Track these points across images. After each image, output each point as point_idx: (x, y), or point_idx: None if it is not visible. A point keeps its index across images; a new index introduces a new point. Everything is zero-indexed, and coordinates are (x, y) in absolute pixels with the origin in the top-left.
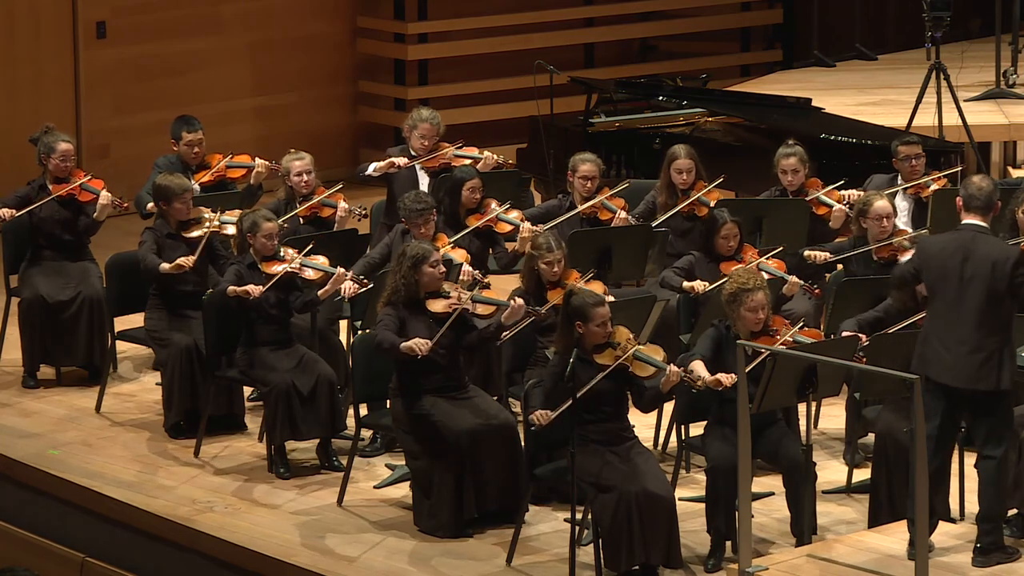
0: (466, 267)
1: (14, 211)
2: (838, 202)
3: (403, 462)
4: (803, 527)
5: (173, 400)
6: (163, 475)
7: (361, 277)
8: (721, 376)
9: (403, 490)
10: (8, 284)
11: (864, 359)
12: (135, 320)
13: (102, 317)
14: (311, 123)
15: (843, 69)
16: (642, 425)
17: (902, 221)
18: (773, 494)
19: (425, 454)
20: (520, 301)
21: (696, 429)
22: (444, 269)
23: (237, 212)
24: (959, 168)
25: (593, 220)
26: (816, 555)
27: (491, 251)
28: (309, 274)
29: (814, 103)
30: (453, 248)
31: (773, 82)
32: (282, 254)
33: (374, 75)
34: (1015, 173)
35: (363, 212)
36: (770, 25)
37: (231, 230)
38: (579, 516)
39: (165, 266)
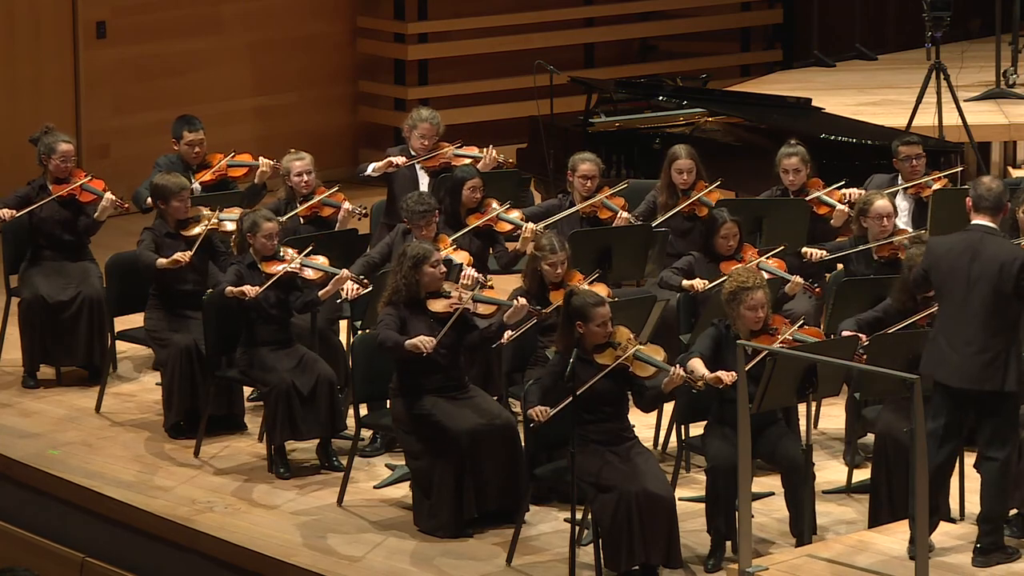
0: (470, 270)
1: (14, 211)
2: (839, 202)
3: (403, 462)
4: (803, 527)
5: (173, 400)
6: (163, 475)
7: (362, 278)
8: (721, 373)
9: (403, 490)
10: (8, 284)
11: (864, 357)
12: (135, 320)
13: (102, 317)
14: (311, 123)
15: (843, 69)
16: (642, 425)
17: (902, 221)
18: (773, 494)
19: (426, 454)
20: (522, 301)
21: (696, 429)
22: (445, 269)
23: (236, 210)
24: (960, 168)
25: (593, 220)
26: (816, 555)
27: (491, 251)
28: (309, 274)
29: (814, 103)
30: (455, 250)
31: (773, 82)
32: (282, 254)
33: (374, 75)
34: (1015, 173)
35: (364, 211)
36: (770, 25)
37: (231, 227)
38: (579, 516)
39: (162, 261)
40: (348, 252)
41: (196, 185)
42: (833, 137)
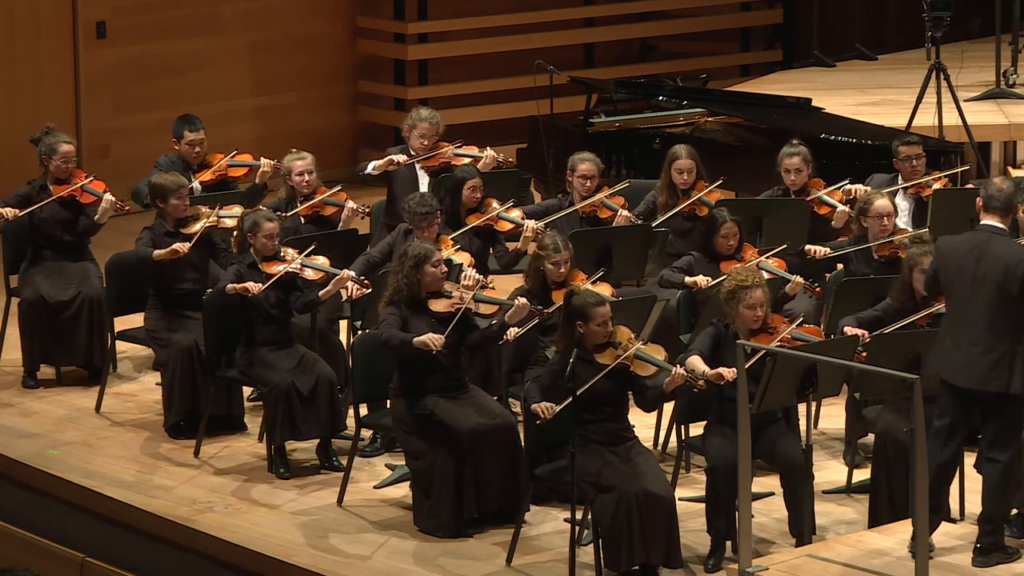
0: (470, 271)
1: (17, 211)
2: (840, 202)
3: (403, 462)
4: (803, 527)
5: (173, 400)
6: (163, 475)
7: (362, 278)
8: (722, 370)
9: (403, 490)
10: (8, 284)
11: (864, 354)
12: (135, 320)
13: (102, 317)
14: (311, 123)
15: (843, 69)
16: (642, 425)
17: (903, 221)
18: (773, 494)
19: (426, 454)
20: (524, 300)
21: (696, 429)
22: (446, 269)
23: (236, 207)
24: (964, 167)
25: (592, 219)
26: (816, 555)
27: (491, 251)
28: (309, 274)
29: (814, 103)
30: (457, 251)
31: (773, 82)
32: (282, 254)
33: (374, 75)
34: (1015, 173)
35: (366, 210)
36: (770, 25)
37: (230, 223)
38: (579, 516)
39: (159, 252)
40: (348, 252)
41: (196, 185)
42: (833, 137)
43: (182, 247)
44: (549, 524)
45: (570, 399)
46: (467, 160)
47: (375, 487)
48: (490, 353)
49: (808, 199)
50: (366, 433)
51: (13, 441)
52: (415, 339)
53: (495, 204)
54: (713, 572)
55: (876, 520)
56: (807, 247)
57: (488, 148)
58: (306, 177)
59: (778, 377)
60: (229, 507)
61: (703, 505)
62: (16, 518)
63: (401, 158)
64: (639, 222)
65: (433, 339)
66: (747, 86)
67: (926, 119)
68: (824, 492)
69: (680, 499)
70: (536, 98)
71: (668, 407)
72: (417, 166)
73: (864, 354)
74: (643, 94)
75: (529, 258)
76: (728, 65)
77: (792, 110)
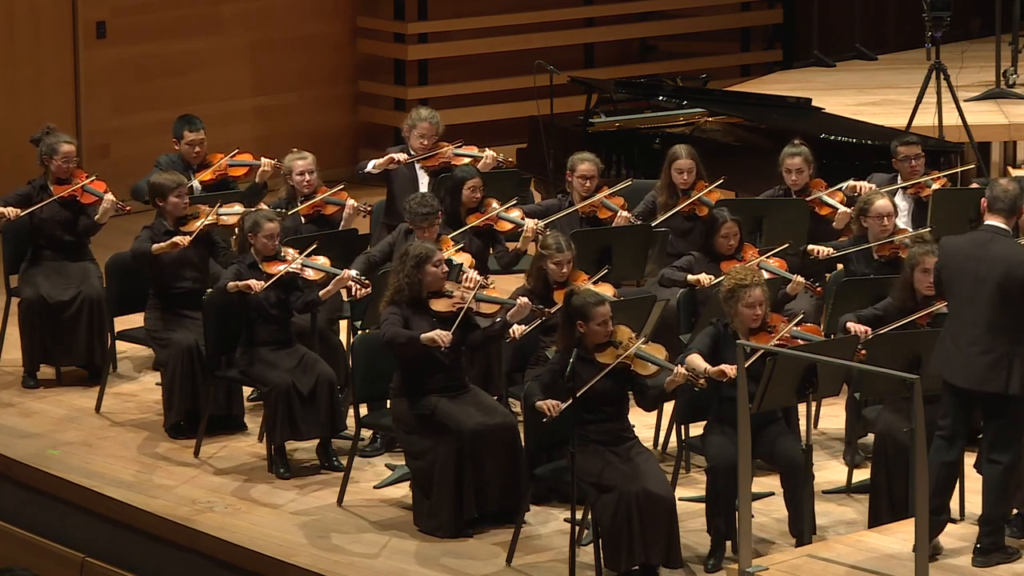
0: (471, 272)
1: (19, 211)
2: (840, 203)
3: (403, 462)
4: (803, 527)
5: (173, 400)
6: (163, 475)
7: (363, 278)
8: (725, 367)
9: (403, 490)
10: (8, 284)
11: (863, 352)
12: (135, 320)
13: (102, 317)
14: (311, 123)
15: (843, 69)
16: (642, 425)
17: (902, 221)
18: (773, 494)
19: (426, 454)
20: (525, 299)
21: (696, 429)
22: (447, 268)
23: (236, 205)
24: (969, 166)
25: (592, 219)
26: (816, 555)
27: (491, 250)
28: (310, 274)
29: (814, 103)
30: (458, 252)
31: (773, 82)
32: (283, 254)
33: (374, 75)
34: (1015, 173)
35: (367, 209)
36: (770, 25)
37: (231, 220)
38: (579, 516)
39: (158, 245)
40: (349, 251)
41: (196, 184)
42: (833, 137)
43: (182, 239)
44: (549, 524)
45: (575, 397)
46: (467, 160)
47: (375, 487)
48: (490, 353)
49: (809, 199)
50: (366, 433)
51: (13, 441)
52: (423, 335)
53: (495, 204)
54: (713, 572)
55: (876, 520)
56: (810, 247)
57: (488, 148)
58: (307, 177)
59: (778, 377)
60: (229, 507)
61: (703, 505)
62: (16, 518)
63: (402, 157)
64: (638, 222)
65: (441, 335)
66: (747, 86)
67: (926, 119)
68: (824, 492)
69: (680, 499)
70: (536, 98)
71: (668, 407)
72: (417, 166)
73: (864, 352)
74: (643, 94)
75: (529, 258)
76: (728, 65)
77: (792, 110)
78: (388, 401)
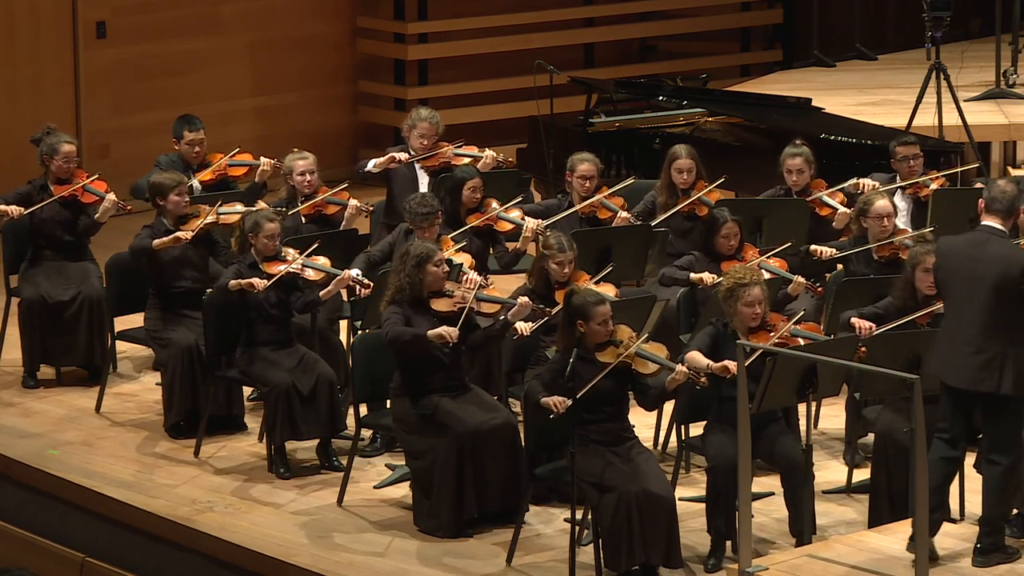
0: (471, 273)
1: (22, 209)
2: (841, 204)
3: (403, 462)
4: (803, 527)
5: (173, 400)
6: (163, 475)
7: (365, 279)
8: (728, 363)
9: (403, 490)
10: (8, 284)
11: (864, 349)
12: (135, 320)
13: (102, 317)
14: (311, 123)
15: (843, 69)
16: (642, 425)
17: (901, 221)
18: (773, 494)
19: (427, 453)
20: (526, 299)
21: (696, 429)
22: (447, 268)
23: (236, 204)
24: (971, 165)
25: (592, 220)
26: (816, 555)
27: (491, 250)
28: (310, 274)
29: (814, 103)
30: (458, 252)
31: (773, 82)
32: (283, 254)
33: (374, 75)
34: (1015, 173)
35: (369, 208)
36: (770, 25)
37: (231, 219)
38: (579, 516)
39: (159, 240)
40: (349, 251)
41: (196, 184)
42: (833, 137)
43: (184, 235)
44: (549, 524)
45: (577, 396)
46: (467, 160)
47: (375, 487)
48: (490, 353)
49: (809, 200)
50: (366, 433)
51: (13, 441)
52: (430, 331)
53: (495, 204)
54: (713, 572)
55: (876, 520)
56: (813, 248)
57: (488, 148)
58: (307, 177)
59: (778, 377)
60: (229, 507)
61: (703, 505)
62: (16, 518)
63: (402, 156)
64: (638, 222)
65: (449, 331)
66: (747, 86)
67: (926, 119)
68: (824, 492)
69: (680, 499)
70: (536, 98)
71: (668, 407)
72: (417, 166)
73: (864, 349)
74: (643, 94)
75: (529, 258)
76: (728, 65)
77: (792, 110)
78: (388, 401)
